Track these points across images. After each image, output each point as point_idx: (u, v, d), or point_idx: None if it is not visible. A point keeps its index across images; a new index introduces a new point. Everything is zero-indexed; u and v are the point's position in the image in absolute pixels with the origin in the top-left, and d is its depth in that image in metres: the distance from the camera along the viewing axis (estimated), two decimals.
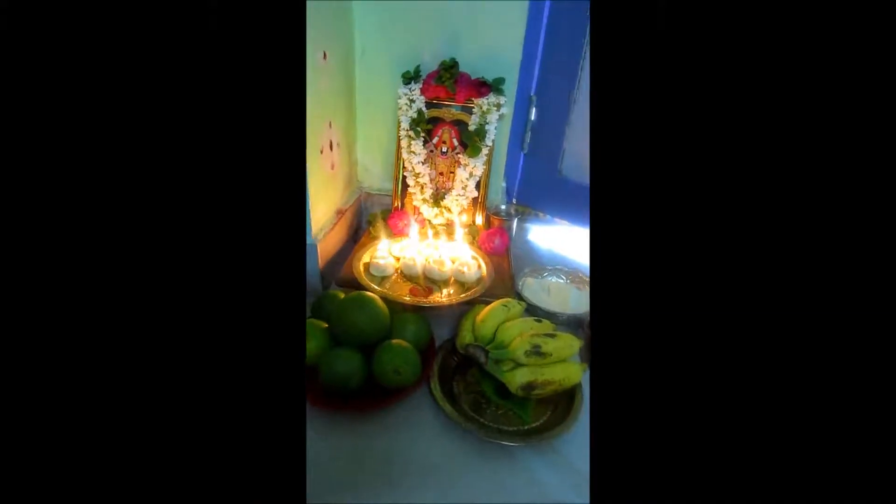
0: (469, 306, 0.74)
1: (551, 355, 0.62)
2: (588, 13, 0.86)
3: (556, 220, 1.12)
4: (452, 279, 0.80)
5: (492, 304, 0.70)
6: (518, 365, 0.62)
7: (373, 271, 0.79)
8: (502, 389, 0.63)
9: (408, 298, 0.73)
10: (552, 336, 0.64)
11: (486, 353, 0.63)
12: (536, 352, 0.61)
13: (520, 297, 0.80)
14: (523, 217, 1.09)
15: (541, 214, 1.25)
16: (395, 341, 0.62)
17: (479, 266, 0.81)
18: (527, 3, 0.84)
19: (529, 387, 0.60)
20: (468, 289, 0.77)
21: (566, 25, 0.89)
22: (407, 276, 0.80)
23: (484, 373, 0.65)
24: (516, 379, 0.60)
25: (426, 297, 0.75)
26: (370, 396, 0.59)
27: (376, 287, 0.74)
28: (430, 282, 0.79)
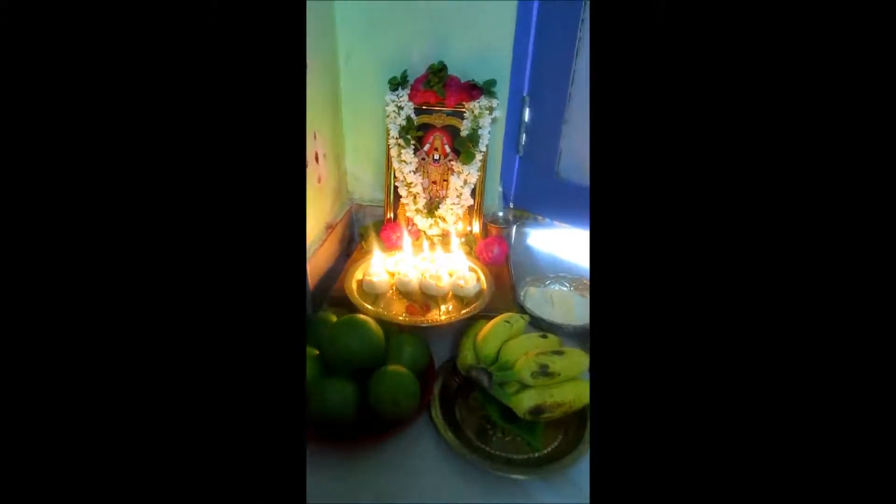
0: (470, 322, 0.70)
1: (559, 374, 0.58)
2: (579, 10, 0.82)
3: (556, 223, 1.09)
4: (451, 294, 0.75)
5: (493, 321, 0.66)
6: (524, 387, 0.58)
7: (366, 289, 0.75)
8: (509, 413, 0.58)
9: (404, 318, 0.69)
10: (559, 353, 0.59)
11: (490, 375, 0.59)
12: (544, 372, 0.57)
13: (522, 310, 0.76)
14: (521, 222, 1.05)
15: (539, 218, 1.21)
16: (391, 368, 0.58)
17: (479, 279, 0.77)
18: (515, 3, 0.80)
19: (538, 410, 0.56)
20: (468, 304, 0.73)
21: (557, 22, 0.85)
22: (402, 292, 0.76)
23: (488, 396, 0.61)
24: (523, 402, 0.56)
25: (424, 315, 0.71)
26: (366, 429, 0.55)
27: (370, 307, 0.70)
28: (428, 298, 0.74)
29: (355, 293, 0.73)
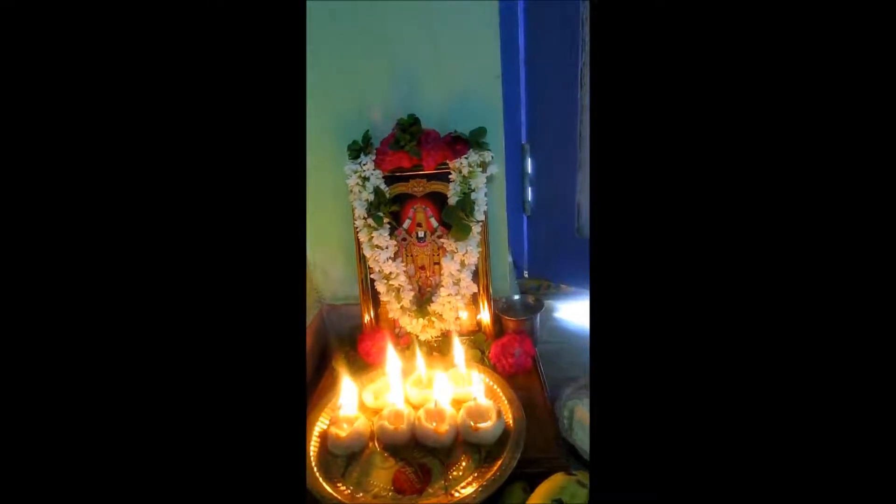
0: (499, 494, 0.44)
1: None
2: (578, 22, 0.64)
3: (584, 289, 0.87)
4: (461, 443, 0.50)
5: (538, 497, 0.40)
6: None
7: (332, 450, 0.50)
8: None
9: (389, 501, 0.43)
10: None
11: None
12: None
13: (574, 455, 0.50)
14: (542, 295, 0.82)
15: (563, 287, 0.98)
16: None
17: (500, 409, 0.51)
18: (497, 28, 0.62)
19: None
20: (489, 457, 0.47)
21: (552, 43, 0.66)
22: (387, 446, 0.50)
23: None
24: None
25: (421, 489, 0.45)
26: None
27: (333, 493, 0.44)
28: (426, 455, 0.49)
29: (315, 463, 0.48)
